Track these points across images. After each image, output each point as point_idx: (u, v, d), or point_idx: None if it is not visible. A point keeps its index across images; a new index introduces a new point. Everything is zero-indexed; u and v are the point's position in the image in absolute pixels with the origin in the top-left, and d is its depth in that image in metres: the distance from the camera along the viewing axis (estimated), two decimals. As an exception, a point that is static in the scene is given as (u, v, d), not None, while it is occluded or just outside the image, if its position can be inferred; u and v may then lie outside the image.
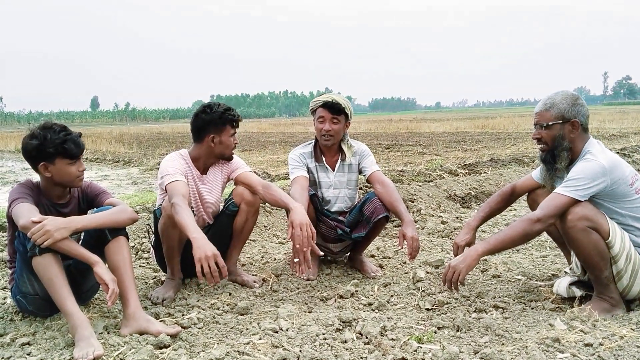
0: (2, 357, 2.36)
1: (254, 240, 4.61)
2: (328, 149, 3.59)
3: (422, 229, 4.97)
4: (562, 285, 2.88)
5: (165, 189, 3.04)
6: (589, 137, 2.80)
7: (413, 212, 5.39)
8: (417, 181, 6.48)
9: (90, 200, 2.96)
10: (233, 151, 3.33)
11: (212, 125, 3.19)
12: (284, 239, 4.73)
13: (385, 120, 41.04)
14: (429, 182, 6.47)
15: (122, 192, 7.91)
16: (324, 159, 3.60)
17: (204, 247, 2.61)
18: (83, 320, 2.45)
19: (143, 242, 4.27)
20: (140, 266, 3.91)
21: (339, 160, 3.60)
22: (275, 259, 4.00)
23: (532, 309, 2.84)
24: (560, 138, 2.77)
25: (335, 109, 3.43)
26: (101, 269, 2.53)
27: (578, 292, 2.81)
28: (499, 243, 2.71)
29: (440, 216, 5.37)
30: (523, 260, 3.75)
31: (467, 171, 7.45)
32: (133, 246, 4.23)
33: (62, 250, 2.50)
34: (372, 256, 3.99)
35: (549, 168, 2.87)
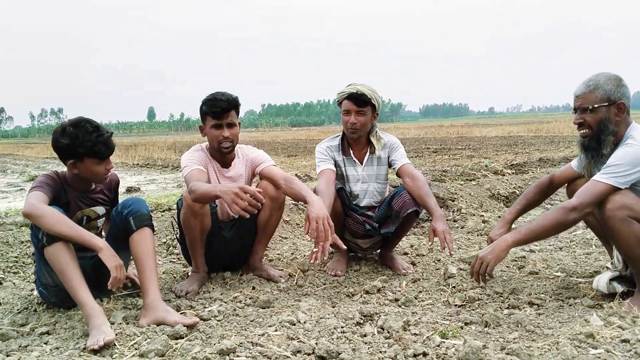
0: (20, 346, 2.36)
1: (285, 238, 4.55)
2: (356, 142, 3.48)
3: (462, 227, 4.79)
4: (602, 281, 2.68)
5: (185, 180, 3.02)
6: (631, 122, 2.59)
7: (453, 211, 5.21)
8: (459, 181, 6.27)
9: (115, 187, 3.03)
10: (222, 145, 3.14)
11: (201, 117, 3.19)
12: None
13: (436, 126, 40.52)
14: (470, 180, 6.24)
15: (167, 193, 8.02)
16: (351, 152, 3.49)
17: (226, 188, 2.62)
18: (96, 310, 2.44)
19: (175, 238, 4.27)
20: (170, 261, 3.91)
21: (368, 153, 3.49)
22: (304, 256, 3.91)
23: (570, 305, 2.65)
24: (606, 122, 2.56)
25: (360, 101, 3.31)
26: (105, 255, 2.52)
27: (619, 288, 2.61)
28: (530, 233, 2.54)
29: (482, 215, 5.16)
30: (565, 257, 3.53)
31: (514, 171, 7.17)
32: (164, 242, 4.24)
33: (68, 238, 2.50)
34: (405, 254, 3.85)
35: (592, 155, 2.64)
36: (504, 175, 6.89)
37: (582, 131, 2.65)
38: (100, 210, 2.93)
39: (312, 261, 2.75)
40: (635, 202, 2.40)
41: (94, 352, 2.24)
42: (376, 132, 3.48)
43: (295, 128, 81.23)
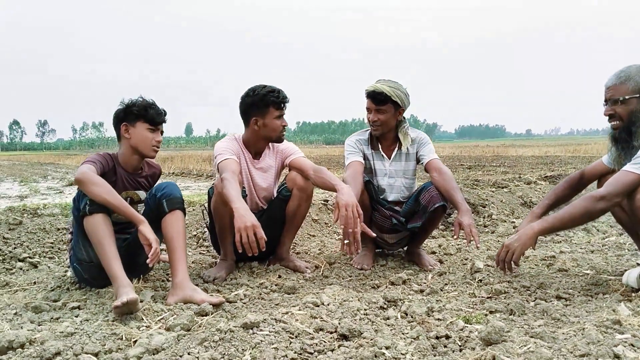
0: (52, 318, 2.44)
1: (313, 236, 4.58)
2: (384, 137, 3.50)
3: (492, 232, 4.74)
4: (632, 276, 2.62)
5: (218, 168, 3.08)
6: None
7: (483, 217, 5.16)
8: (491, 188, 6.20)
9: (156, 177, 3.17)
10: (282, 134, 3.28)
11: (255, 108, 3.19)
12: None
13: (471, 146, 40.13)
14: (502, 188, 6.17)
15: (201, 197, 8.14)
16: (380, 146, 3.51)
17: (244, 217, 2.61)
18: (126, 284, 2.51)
19: (205, 232, 4.34)
20: (200, 253, 3.98)
21: (396, 148, 3.51)
22: (332, 250, 3.93)
23: (598, 300, 2.60)
24: (637, 113, 2.53)
25: (378, 100, 3.33)
26: (145, 228, 2.62)
27: (650, 283, 2.55)
28: (557, 221, 2.51)
29: (513, 222, 5.10)
30: (595, 258, 3.46)
31: (548, 183, 7.06)
32: (195, 234, 4.32)
33: (113, 207, 2.60)
34: (433, 252, 3.83)
35: (623, 147, 2.61)
36: (537, 184, 6.80)
37: (612, 123, 2.63)
38: (143, 194, 3.03)
39: (343, 251, 2.78)
40: (667, 193, 2.36)
41: (117, 308, 2.33)
42: (405, 128, 3.49)
43: (329, 146, 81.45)
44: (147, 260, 2.57)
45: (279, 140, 3.30)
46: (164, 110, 2.99)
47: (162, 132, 3.01)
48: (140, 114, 2.88)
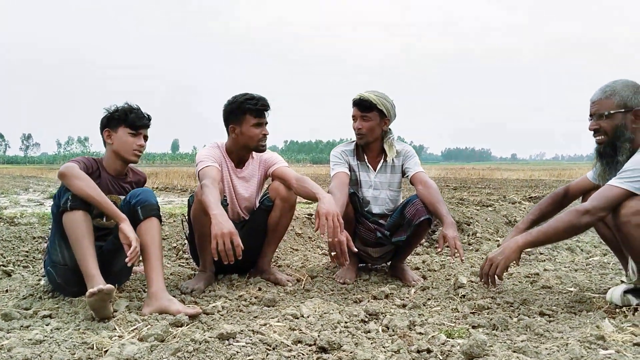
0: (22, 326, 2.36)
1: (296, 250, 4.52)
2: (370, 148, 3.47)
3: (476, 250, 4.70)
4: (616, 293, 2.59)
5: (199, 175, 3.02)
6: None
7: (468, 235, 5.13)
8: (476, 207, 6.19)
9: (140, 185, 3.12)
10: (261, 143, 3.20)
11: (233, 116, 3.16)
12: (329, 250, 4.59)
13: (457, 169, 40.34)
14: (487, 207, 6.16)
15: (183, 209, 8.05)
16: (365, 157, 3.48)
17: (221, 224, 2.56)
18: (101, 282, 2.46)
19: (185, 244, 4.27)
20: (179, 265, 3.90)
21: (382, 160, 3.48)
22: (314, 264, 3.87)
23: (582, 316, 2.56)
24: (622, 128, 2.52)
25: (363, 106, 3.32)
26: (127, 227, 2.59)
27: (634, 301, 2.52)
28: (541, 235, 2.48)
29: (497, 240, 5.07)
30: (579, 276, 3.44)
31: (532, 203, 7.07)
32: (174, 246, 4.24)
33: (95, 202, 2.56)
34: (417, 268, 3.78)
35: (607, 161, 2.59)
36: (521, 204, 6.80)
37: (597, 137, 2.61)
38: None
39: (334, 263, 2.75)
40: (651, 208, 2.34)
41: (93, 296, 2.31)
42: (390, 139, 3.46)
43: (316, 165, 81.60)
44: (126, 259, 2.53)
45: (258, 149, 3.23)
46: (148, 115, 2.96)
47: (145, 138, 2.97)
48: (121, 118, 2.87)
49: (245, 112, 3.13)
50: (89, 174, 2.72)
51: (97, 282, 2.43)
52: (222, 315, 2.59)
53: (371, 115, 3.33)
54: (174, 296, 2.85)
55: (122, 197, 2.94)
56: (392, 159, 3.44)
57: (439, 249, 3.04)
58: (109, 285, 2.34)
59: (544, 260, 4.19)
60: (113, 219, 2.63)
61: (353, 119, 3.40)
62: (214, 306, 2.69)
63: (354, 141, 3.55)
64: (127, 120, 2.86)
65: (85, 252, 2.51)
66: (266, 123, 3.21)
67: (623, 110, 2.51)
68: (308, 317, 2.44)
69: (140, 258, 2.69)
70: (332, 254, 2.84)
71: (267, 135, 3.21)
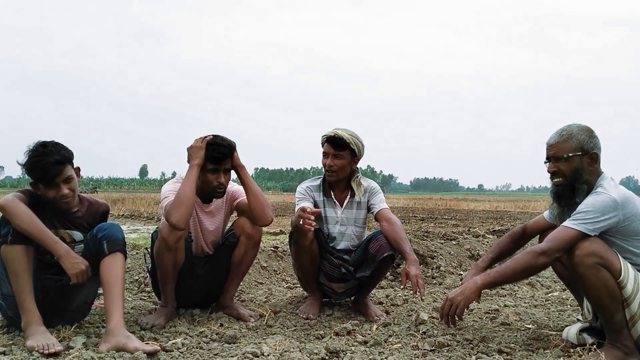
0: (-27, 364, 2.29)
1: (261, 283, 4.49)
2: (337, 185, 3.51)
3: (440, 284, 4.75)
4: (572, 332, 2.65)
5: (164, 210, 2.99)
6: (602, 172, 2.64)
7: (432, 269, 5.18)
8: (440, 240, 6.25)
9: (102, 216, 3.03)
10: (217, 190, 3.10)
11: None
12: (293, 284, 4.57)
13: (426, 199, 40.79)
14: (451, 240, 6.24)
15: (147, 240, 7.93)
16: (332, 194, 3.51)
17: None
18: (38, 318, 2.50)
19: (147, 277, 4.20)
20: (141, 299, 3.84)
21: (348, 196, 3.51)
22: (278, 299, 3.85)
23: (539, 356, 2.60)
24: (580, 170, 2.60)
25: (337, 145, 3.35)
26: (65, 262, 2.57)
27: (589, 339, 2.57)
28: (500, 276, 2.54)
29: (460, 274, 5.13)
30: (538, 312, 3.50)
31: (495, 236, 7.18)
32: (137, 279, 4.18)
33: (35, 236, 2.53)
34: (380, 303, 3.80)
35: (566, 203, 2.66)
36: (485, 237, 6.91)
37: (555, 180, 2.68)
38: (78, 235, 2.88)
39: (306, 229, 2.99)
40: (604, 250, 2.41)
41: (43, 355, 2.30)
42: (358, 178, 3.51)
43: (286, 193, 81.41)
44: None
45: (214, 195, 3.15)
46: (56, 163, 2.63)
47: (69, 179, 2.72)
48: (33, 177, 2.67)
49: (205, 156, 3.02)
50: (34, 207, 2.63)
51: (32, 316, 2.49)
52: (181, 352, 2.55)
53: (344, 153, 3.37)
54: (133, 332, 2.80)
55: (74, 232, 2.86)
56: (359, 196, 3.48)
57: (402, 286, 3.07)
58: (59, 348, 2.41)
59: (505, 295, 4.26)
60: (52, 252, 2.57)
61: (324, 156, 3.42)
62: (173, 343, 2.65)
63: (320, 177, 3.58)
64: (35, 178, 2.68)
65: (22, 287, 2.52)
66: (227, 170, 3.10)
67: (580, 153, 2.59)
68: (268, 355, 2.43)
69: (100, 300, 2.64)
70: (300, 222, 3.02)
71: (224, 183, 3.10)
